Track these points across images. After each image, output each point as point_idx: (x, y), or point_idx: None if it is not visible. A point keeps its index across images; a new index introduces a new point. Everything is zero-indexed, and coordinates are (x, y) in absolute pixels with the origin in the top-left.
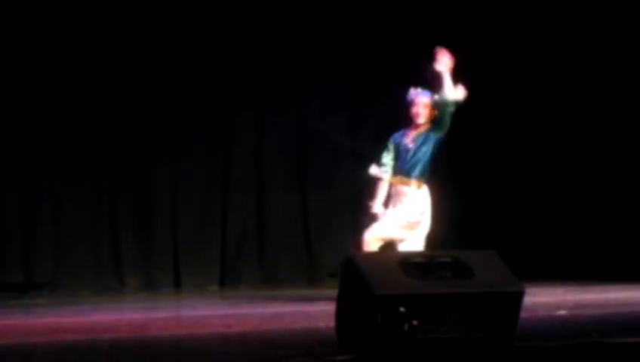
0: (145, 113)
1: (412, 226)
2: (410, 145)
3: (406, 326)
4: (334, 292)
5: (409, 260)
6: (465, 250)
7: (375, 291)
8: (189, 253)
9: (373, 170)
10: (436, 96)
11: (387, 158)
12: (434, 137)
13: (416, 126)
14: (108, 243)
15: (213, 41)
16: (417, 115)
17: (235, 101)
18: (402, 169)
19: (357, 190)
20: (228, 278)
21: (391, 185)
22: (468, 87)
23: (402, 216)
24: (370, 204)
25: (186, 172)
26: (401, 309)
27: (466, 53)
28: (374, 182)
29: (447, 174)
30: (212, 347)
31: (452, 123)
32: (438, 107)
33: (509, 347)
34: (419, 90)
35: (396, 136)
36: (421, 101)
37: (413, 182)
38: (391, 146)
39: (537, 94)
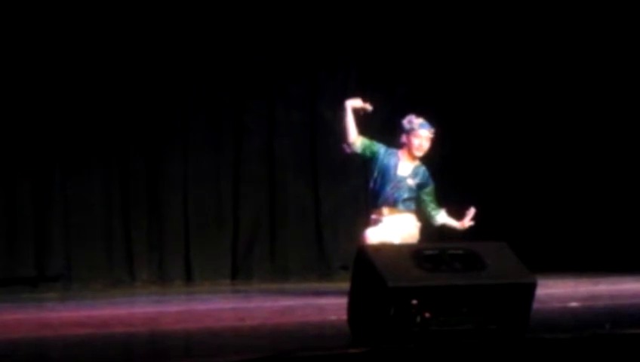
0: (156, 106)
1: (412, 238)
2: (410, 182)
3: (418, 319)
4: (346, 285)
5: (421, 252)
6: (477, 242)
7: (388, 283)
8: (200, 246)
9: (353, 137)
10: (430, 209)
11: (368, 141)
12: (421, 185)
13: (413, 157)
14: (119, 236)
15: (224, 33)
16: (420, 147)
17: (246, 93)
18: (395, 202)
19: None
20: (239, 271)
21: (378, 215)
22: (480, 79)
23: (402, 230)
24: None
25: (197, 165)
26: (414, 301)
27: (473, 47)
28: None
29: (458, 166)
30: (224, 340)
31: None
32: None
33: (522, 338)
34: (421, 120)
35: (385, 154)
36: (424, 134)
37: (402, 212)
38: (378, 148)
39: (550, 84)
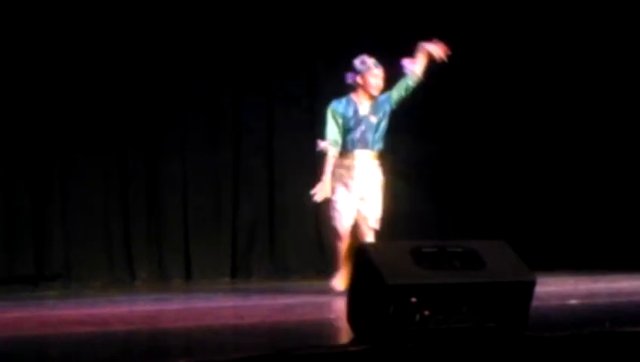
0: (154, 104)
1: (369, 197)
2: (373, 120)
3: (417, 317)
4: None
5: (420, 250)
6: (476, 240)
7: (387, 281)
8: (199, 244)
9: (323, 144)
10: (408, 71)
11: (336, 132)
12: (389, 109)
13: (369, 96)
14: (119, 235)
15: (222, 30)
16: (377, 86)
17: (245, 90)
18: (367, 143)
19: None
20: (239, 270)
21: (341, 161)
22: (478, 76)
23: (359, 190)
24: (320, 184)
25: (196, 163)
26: (413, 299)
27: (473, 45)
28: (322, 158)
29: (457, 163)
30: (223, 338)
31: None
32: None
33: (521, 336)
34: (373, 59)
35: (339, 106)
36: (379, 73)
37: (375, 155)
38: (339, 120)
39: (548, 83)
